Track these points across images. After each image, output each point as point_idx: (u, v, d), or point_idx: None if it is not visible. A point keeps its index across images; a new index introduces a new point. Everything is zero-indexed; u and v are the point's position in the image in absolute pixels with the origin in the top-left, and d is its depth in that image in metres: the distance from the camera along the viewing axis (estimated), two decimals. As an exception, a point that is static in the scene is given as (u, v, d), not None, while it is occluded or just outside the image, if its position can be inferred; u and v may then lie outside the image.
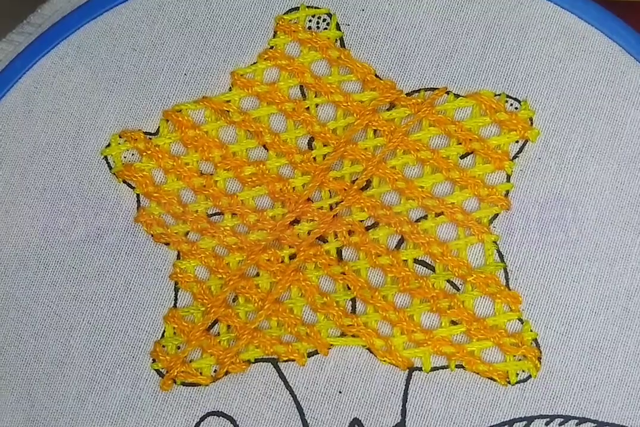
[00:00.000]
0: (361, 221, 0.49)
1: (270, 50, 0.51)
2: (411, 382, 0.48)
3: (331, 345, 0.48)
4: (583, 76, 0.50)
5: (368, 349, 0.48)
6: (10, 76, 0.52)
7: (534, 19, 0.50)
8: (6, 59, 0.53)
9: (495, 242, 0.49)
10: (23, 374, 0.49)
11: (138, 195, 0.50)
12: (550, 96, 0.50)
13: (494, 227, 0.49)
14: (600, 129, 0.49)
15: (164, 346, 0.49)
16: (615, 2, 0.57)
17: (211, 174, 0.50)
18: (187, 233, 0.50)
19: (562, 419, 0.47)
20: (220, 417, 0.49)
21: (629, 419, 0.47)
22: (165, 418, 0.49)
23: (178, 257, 0.50)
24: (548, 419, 0.47)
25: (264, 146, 0.50)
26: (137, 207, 0.50)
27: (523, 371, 0.48)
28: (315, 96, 0.50)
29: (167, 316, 0.49)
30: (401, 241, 0.49)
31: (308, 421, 0.48)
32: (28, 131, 0.51)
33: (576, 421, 0.47)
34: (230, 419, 0.49)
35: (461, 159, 0.50)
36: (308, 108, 0.50)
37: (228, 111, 0.50)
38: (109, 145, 0.51)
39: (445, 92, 0.50)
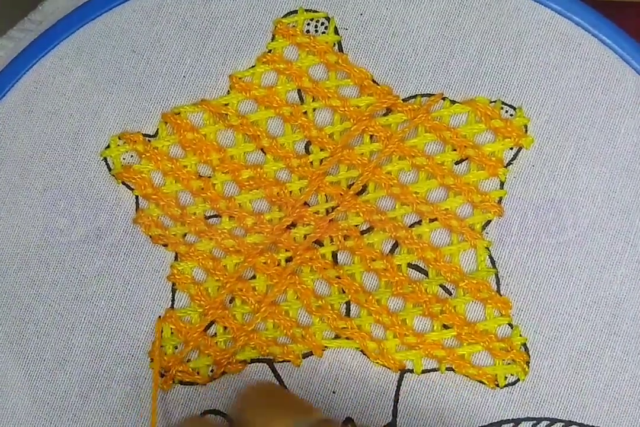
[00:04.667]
0: (356, 226, 0.50)
1: (269, 53, 0.51)
2: (402, 383, 0.49)
3: (325, 347, 0.50)
4: (578, 83, 0.50)
5: (361, 351, 0.49)
6: (10, 76, 0.52)
7: (531, 25, 0.50)
8: (7, 56, 0.54)
9: (487, 248, 0.50)
10: (25, 372, 0.50)
11: (137, 197, 0.51)
12: (545, 103, 0.50)
13: (487, 233, 0.50)
14: (594, 136, 0.50)
15: (162, 346, 0.50)
16: (610, 2, 0.57)
17: (209, 177, 0.51)
18: (185, 235, 0.51)
19: (548, 422, 0.49)
20: (218, 415, 0.50)
21: (614, 423, 0.48)
22: (164, 416, 0.50)
23: (176, 258, 0.51)
24: (535, 422, 0.49)
25: (262, 150, 0.51)
26: (136, 209, 0.51)
27: (511, 375, 0.49)
28: (313, 100, 0.51)
29: (164, 317, 0.50)
30: (395, 246, 0.50)
31: (302, 420, 0.50)
32: (28, 131, 0.52)
33: (562, 424, 0.48)
34: (228, 418, 0.50)
35: (456, 165, 0.50)
36: (305, 112, 0.51)
37: (226, 114, 0.51)
38: (108, 146, 0.51)
39: (442, 98, 0.50)
